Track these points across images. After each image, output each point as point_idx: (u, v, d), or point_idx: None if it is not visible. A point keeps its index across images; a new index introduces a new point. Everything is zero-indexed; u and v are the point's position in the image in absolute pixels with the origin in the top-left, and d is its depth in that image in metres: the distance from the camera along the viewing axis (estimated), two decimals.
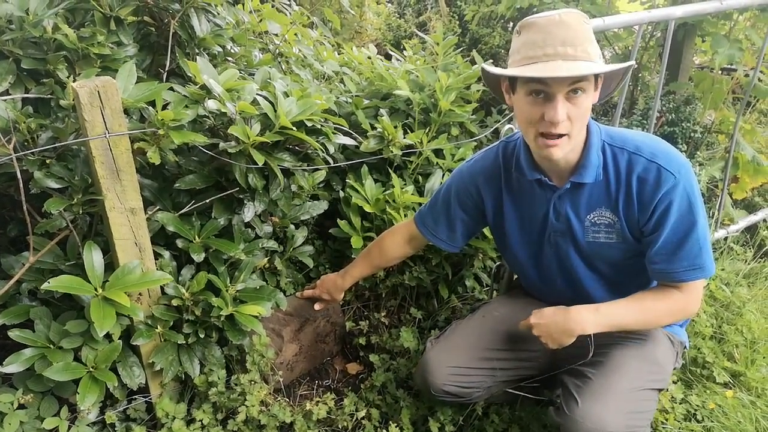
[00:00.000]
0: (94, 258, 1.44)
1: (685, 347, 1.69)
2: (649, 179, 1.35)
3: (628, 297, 1.45)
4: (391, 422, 1.74)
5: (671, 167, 1.33)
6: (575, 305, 1.44)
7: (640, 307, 1.44)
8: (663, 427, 1.81)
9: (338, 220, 2.07)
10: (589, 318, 1.41)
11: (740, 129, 2.92)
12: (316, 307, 1.98)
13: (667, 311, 1.45)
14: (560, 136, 1.29)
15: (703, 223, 1.37)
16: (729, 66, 3.34)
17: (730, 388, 1.97)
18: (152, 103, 1.46)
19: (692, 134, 3.19)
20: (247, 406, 1.66)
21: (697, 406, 1.90)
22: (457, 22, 5.74)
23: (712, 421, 1.85)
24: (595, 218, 1.45)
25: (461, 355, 1.65)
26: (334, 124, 1.81)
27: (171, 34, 1.77)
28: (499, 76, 1.36)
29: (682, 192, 1.33)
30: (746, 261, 2.69)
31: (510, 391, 1.76)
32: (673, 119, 3.15)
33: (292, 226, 2.01)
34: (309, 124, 1.69)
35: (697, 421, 1.86)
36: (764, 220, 3.07)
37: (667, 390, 1.89)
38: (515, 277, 2.05)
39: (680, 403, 1.88)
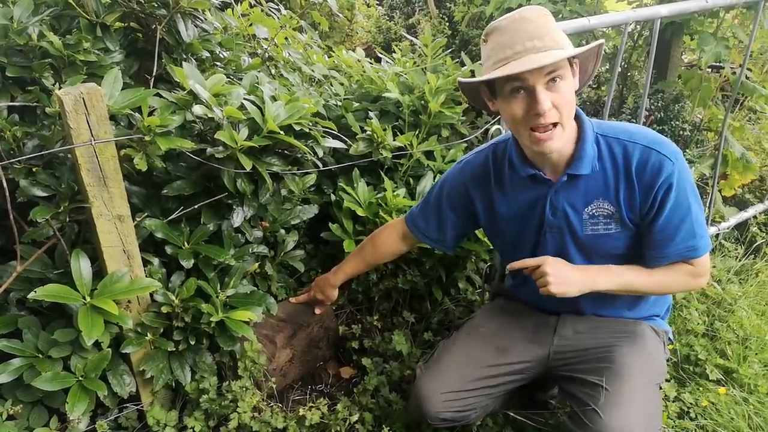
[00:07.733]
0: (81, 266, 1.43)
1: (669, 337, 1.69)
2: (649, 165, 1.37)
3: (639, 267, 1.47)
4: (384, 426, 1.73)
5: (668, 153, 1.36)
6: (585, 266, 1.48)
7: (649, 277, 1.46)
8: None
9: (330, 223, 2.06)
10: (602, 274, 1.45)
11: (729, 126, 2.93)
12: (316, 311, 1.97)
13: (677, 284, 1.51)
14: (553, 126, 1.31)
15: (696, 207, 1.41)
16: (717, 63, 3.36)
17: (723, 386, 1.97)
18: (139, 110, 1.45)
19: (681, 132, 3.21)
20: (239, 413, 1.65)
21: (690, 403, 1.90)
22: (447, 24, 5.75)
23: (705, 419, 1.86)
24: (593, 210, 1.45)
25: (454, 379, 1.58)
26: (323, 127, 1.81)
27: (158, 39, 1.77)
28: (475, 83, 1.38)
29: (679, 177, 1.36)
30: (737, 258, 2.70)
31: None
32: (662, 117, 3.17)
33: (283, 231, 2.00)
34: (297, 128, 1.68)
35: (691, 419, 1.86)
36: (754, 217, 3.09)
37: (661, 388, 1.89)
38: (506, 277, 2.05)
39: (673, 401, 1.88)
